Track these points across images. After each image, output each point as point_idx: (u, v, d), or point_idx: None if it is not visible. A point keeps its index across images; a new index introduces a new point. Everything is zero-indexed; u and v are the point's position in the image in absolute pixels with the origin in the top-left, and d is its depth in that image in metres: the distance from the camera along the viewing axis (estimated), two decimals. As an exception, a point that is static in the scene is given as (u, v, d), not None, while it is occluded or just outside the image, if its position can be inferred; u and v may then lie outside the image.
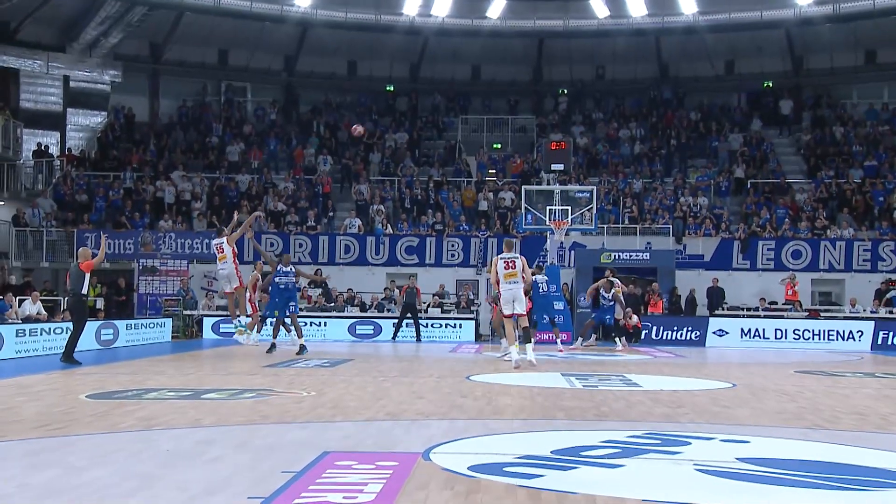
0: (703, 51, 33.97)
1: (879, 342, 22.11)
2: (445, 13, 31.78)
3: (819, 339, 22.60)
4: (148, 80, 33.95)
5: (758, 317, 23.91)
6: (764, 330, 22.94)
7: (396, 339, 22.62)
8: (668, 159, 31.60)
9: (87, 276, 14.02)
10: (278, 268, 16.49)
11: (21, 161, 29.48)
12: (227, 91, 35.16)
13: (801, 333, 22.78)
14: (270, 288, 17.05)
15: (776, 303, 24.82)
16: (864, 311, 23.98)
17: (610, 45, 33.98)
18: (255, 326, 17.40)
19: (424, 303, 24.38)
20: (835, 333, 22.61)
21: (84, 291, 14.09)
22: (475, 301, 25.06)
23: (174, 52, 33.90)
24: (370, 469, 5.41)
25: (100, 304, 23.07)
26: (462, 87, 35.79)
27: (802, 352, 20.71)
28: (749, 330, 22.96)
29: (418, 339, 22.65)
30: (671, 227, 26.95)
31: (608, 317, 20.61)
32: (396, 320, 22.98)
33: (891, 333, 22.17)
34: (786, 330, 22.91)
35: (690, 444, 6.56)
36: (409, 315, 22.82)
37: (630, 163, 31.40)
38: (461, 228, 27.46)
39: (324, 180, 29.50)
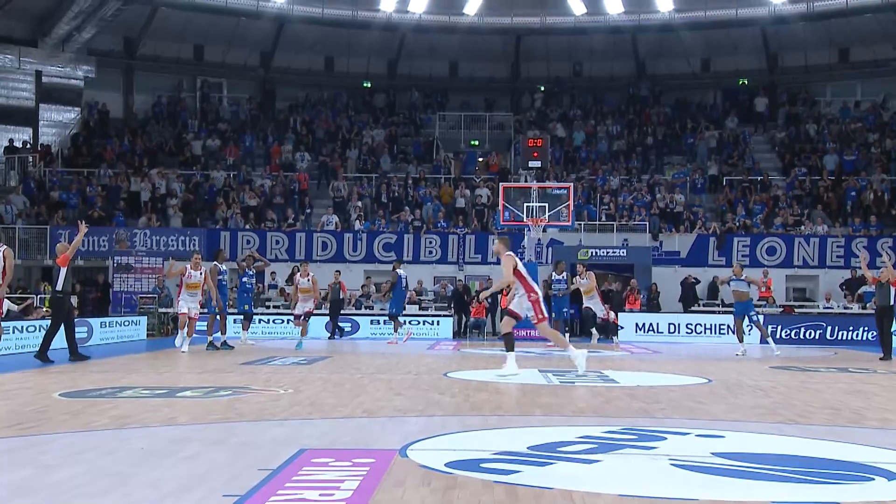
0: (679, 48, 34.19)
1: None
2: (422, 10, 31.75)
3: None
4: (122, 75, 33.66)
5: (729, 312, 24.02)
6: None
7: (336, 336, 22.11)
8: (644, 156, 31.76)
9: (63, 271, 13.79)
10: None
11: (-8, 157, 29.21)
12: (203, 87, 34.91)
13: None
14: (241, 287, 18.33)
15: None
16: (838, 306, 24.22)
17: (587, 42, 34.12)
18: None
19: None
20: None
21: (59, 288, 13.86)
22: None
23: (149, 48, 33.62)
24: (347, 466, 5.39)
25: (74, 301, 22.75)
26: (439, 83, 35.78)
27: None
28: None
29: (334, 335, 21.91)
30: (648, 223, 27.11)
31: (564, 308, 20.13)
32: (329, 319, 22.37)
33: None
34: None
35: (666, 439, 6.60)
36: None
37: (607, 160, 31.52)
38: (439, 225, 27.45)
39: (301, 177, 29.36)
